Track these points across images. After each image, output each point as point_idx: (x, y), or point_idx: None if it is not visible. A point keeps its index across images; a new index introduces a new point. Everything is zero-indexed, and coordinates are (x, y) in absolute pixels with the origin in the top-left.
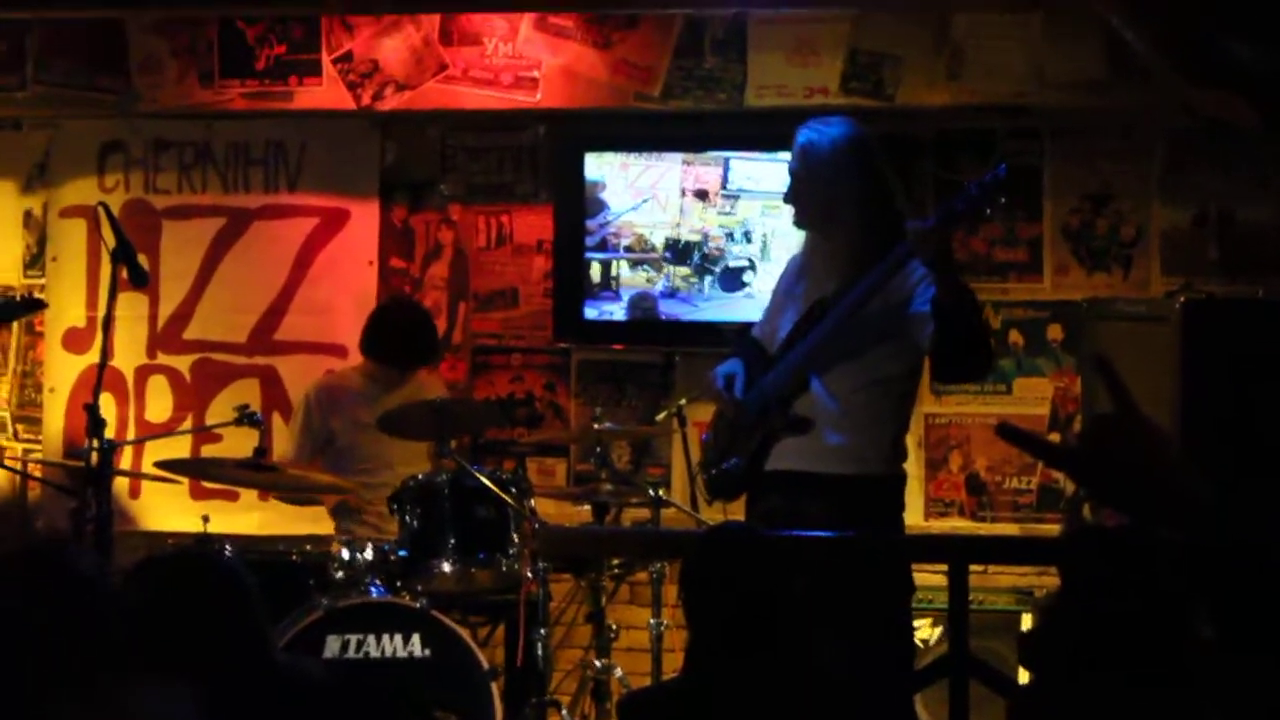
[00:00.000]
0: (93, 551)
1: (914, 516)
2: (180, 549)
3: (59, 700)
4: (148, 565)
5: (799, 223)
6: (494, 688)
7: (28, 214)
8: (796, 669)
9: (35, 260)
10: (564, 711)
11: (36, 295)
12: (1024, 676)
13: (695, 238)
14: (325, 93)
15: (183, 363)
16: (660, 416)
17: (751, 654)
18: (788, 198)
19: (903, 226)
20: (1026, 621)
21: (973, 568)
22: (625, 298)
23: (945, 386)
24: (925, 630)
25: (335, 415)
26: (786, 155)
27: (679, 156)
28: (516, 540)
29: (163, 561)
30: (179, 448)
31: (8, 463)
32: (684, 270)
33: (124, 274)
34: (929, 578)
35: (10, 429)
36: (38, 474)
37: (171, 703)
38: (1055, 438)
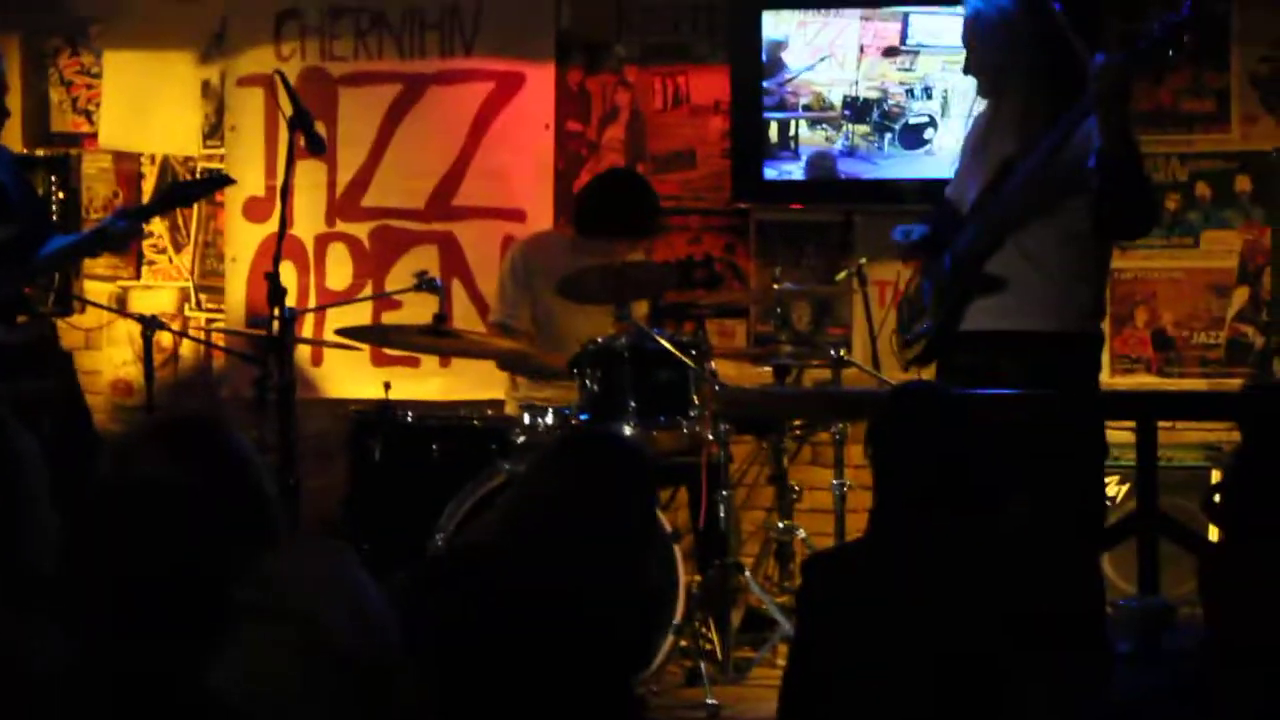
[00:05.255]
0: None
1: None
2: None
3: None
4: None
5: (979, 92)
6: (677, 550)
7: (205, 84)
8: (984, 529)
9: (214, 130)
10: (748, 574)
11: (217, 167)
12: (1214, 534)
13: (874, 95)
14: None
15: (361, 230)
16: (840, 276)
17: (939, 514)
18: (966, 69)
19: (1081, 89)
20: (1215, 477)
21: (1160, 424)
22: (804, 157)
23: (1132, 241)
24: (1112, 488)
25: (538, 277)
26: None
27: (857, 12)
28: (697, 402)
29: None
30: (359, 315)
31: (192, 332)
32: (863, 128)
33: (301, 142)
34: (1115, 435)
35: (194, 299)
36: (221, 343)
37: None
38: (1244, 293)
